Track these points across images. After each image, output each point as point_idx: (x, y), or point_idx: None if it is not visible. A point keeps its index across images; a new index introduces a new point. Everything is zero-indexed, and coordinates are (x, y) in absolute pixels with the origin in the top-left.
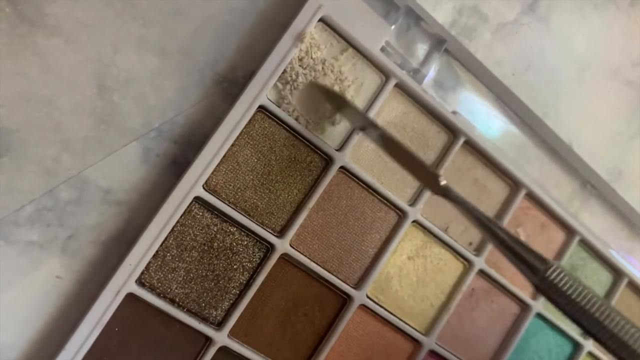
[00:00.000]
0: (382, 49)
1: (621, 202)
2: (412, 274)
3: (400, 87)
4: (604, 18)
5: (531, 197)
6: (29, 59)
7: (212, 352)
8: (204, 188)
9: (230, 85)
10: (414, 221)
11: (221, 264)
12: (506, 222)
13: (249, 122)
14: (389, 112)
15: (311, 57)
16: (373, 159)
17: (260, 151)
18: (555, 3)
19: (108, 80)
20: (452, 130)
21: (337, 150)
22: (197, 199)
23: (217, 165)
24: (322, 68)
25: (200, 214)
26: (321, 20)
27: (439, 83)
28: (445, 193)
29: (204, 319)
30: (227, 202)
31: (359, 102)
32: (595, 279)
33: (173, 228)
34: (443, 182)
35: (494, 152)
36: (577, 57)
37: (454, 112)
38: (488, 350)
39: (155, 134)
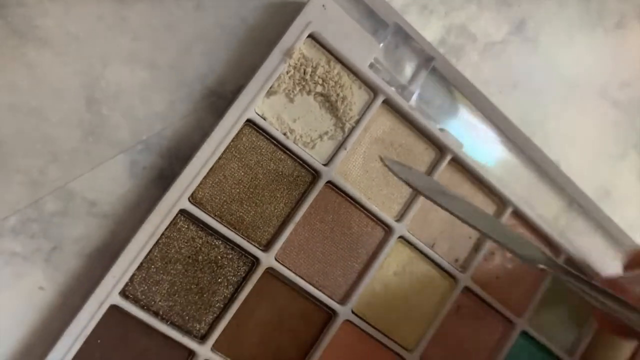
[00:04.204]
0: (371, 66)
1: (607, 222)
2: (397, 290)
3: (388, 104)
4: (591, 39)
5: (517, 214)
6: (18, 71)
7: None
8: (189, 201)
9: (219, 100)
10: (400, 237)
11: (206, 277)
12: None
13: (237, 135)
14: (377, 129)
15: (300, 73)
16: (360, 174)
17: (247, 165)
18: (542, 24)
19: (97, 93)
20: (439, 148)
21: (324, 165)
22: (183, 212)
23: (203, 179)
24: (311, 83)
25: (186, 226)
26: (310, 36)
27: (426, 100)
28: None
29: (188, 332)
30: (212, 215)
31: (348, 118)
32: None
33: (158, 240)
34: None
35: (480, 170)
36: (565, 77)
37: (442, 130)
38: None
39: (142, 147)
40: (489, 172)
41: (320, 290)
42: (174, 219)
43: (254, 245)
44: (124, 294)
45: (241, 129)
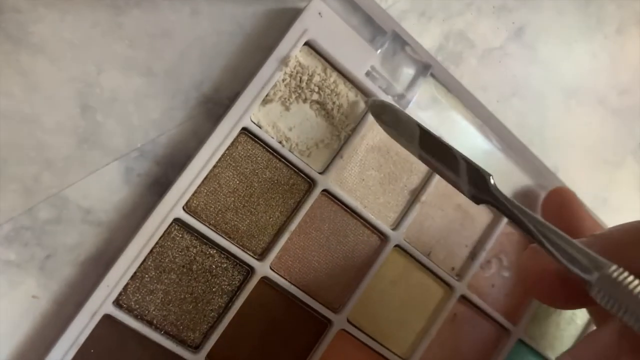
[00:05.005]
0: (367, 74)
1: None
2: (393, 299)
3: None
4: (590, 46)
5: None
6: (12, 77)
7: None
8: (184, 210)
9: (215, 107)
10: (396, 245)
11: (200, 287)
12: (489, 247)
13: (232, 144)
14: (373, 137)
15: (296, 81)
16: (356, 182)
17: (242, 173)
18: (541, 30)
19: (92, 99)
20: None
21: (320, 173)
22: (177, 221)
23: (198, 187)
24: (307, 91)
25: (180, 235)
26: (306, 44)
27: (423, 108)
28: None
29: (182, 342)
30: (207, 224)
31: (344, 126)
32: None
33: (152, 249)
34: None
35: None
36: (563, 84)
37: None
38: None
39: (137, 154)
40: None
41: (315, 299)
42: (168, 228)
43: (249, 254)
44: (117, 303)
45: (236, 137)
